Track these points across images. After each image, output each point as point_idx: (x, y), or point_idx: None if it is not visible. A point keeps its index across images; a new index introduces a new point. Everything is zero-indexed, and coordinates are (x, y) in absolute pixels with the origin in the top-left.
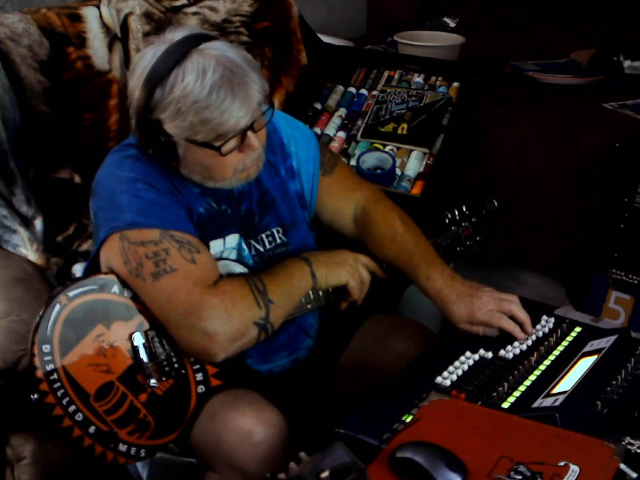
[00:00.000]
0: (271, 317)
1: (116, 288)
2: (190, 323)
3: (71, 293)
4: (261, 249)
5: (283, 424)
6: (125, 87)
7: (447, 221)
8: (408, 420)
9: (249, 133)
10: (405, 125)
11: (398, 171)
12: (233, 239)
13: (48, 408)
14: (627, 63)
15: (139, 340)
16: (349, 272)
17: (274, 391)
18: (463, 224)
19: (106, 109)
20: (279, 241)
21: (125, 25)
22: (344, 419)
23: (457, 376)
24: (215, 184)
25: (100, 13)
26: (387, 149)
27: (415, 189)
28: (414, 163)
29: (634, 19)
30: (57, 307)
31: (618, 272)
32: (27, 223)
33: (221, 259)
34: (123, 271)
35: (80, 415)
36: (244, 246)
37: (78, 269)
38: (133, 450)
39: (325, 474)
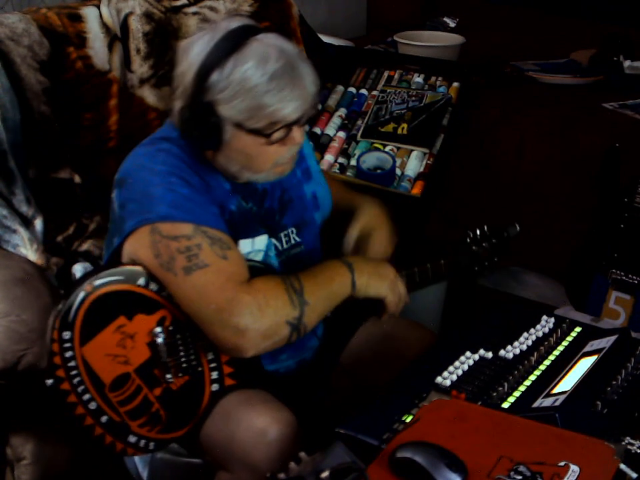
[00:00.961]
0: (305, 319)
1: (142, 280)
2: (222, 318)
3: (97, 282)
4: (280, 248)
5: (295, 423)
6: (125, 87)
7: (469, 240)
8: (408, 420)
9: (295, 127)
10: (405, 125)
11: (398, 171)
12: (261, 241)
13: (62, 394)
14: (627, 63)
15: (159, 335)
16: (389, 286)
17: (282, 391)
18: (484, 244)
19: (106, 109)
20: (293, 241)
21: (125, 25)
22: (344, 419)
23: (457, 376)
24: (250, 176)
25: (100, 12)
26: (387, 149)
27: (415, 189)
28: (414, 162)
29: (634, 19)
30: (82, 294)
31: (618, 272)
32: (27, 222)
33: (247, 260)
34: (153, 264)
35: (94, 403)
36: (272, 247)
37: (78, 269)
38: (143, 442)
39: (325, 474)
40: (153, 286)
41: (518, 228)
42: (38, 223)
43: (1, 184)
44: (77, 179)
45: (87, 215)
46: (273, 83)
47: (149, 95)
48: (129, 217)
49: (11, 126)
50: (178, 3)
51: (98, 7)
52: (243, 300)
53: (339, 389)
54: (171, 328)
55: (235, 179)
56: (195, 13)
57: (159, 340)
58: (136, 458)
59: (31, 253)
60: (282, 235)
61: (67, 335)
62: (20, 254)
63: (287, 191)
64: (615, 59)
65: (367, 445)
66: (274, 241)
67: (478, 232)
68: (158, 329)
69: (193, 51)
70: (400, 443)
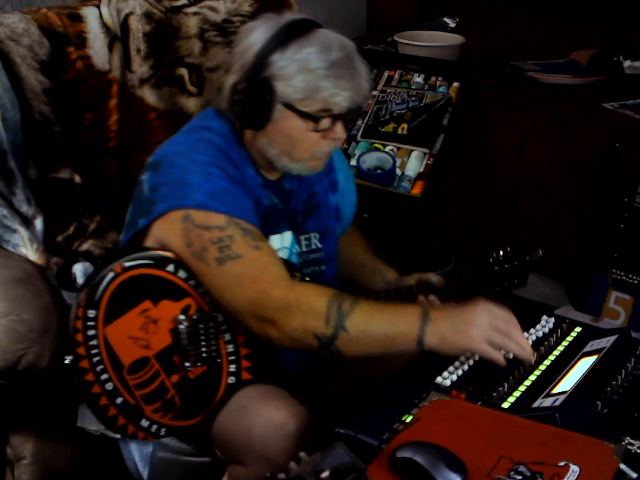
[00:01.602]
0: (339, 344)
1: (171, 267)
2: (253, 309)
3: (127, 264)
4: (298, 250)
5: (310, 419)
6: (125, 87)
7: (492, 260)
8: (408, 420)
9: (339, 122)
10: (405, 125)
11: (398, 171)
12: (287, 237)
13: (80, 372)
14: (627, 63)
15: (183, 322)
16: (475, 339)
17: (293, 387)
18: (506, 265)
19: (106, 109)
20: (314, 246)
21: (125, 25)
22: (344, 419)
23: (457, 376)
24: (286, 163)
25: (100, 13)
26: (387, 149)
27: (415, 189)
28: (414, 162)
29: (634, 18)
30: (111, 274)
31: (618, 272)
32: (27, 222)
33: None
34: (185, 252)
35: (110, 384)
36: (295, 244)
37: (78, 269)
38: (154, 427)
39: (325, 474)
40: (181, 273)
41: (540, 253)
42: (38, 223)
43: (1, 184)
44: (77, 178)
45: (87, 215)
46: (332, 70)
47: (149, 95)
48: (160, 200)
49: (11, 126)
50: (178, 3)
51: (98, 7)
52: (274, 295)
53: (339, 389)
54: (194, 317)
55: (269, 171)
56: (195, 13)
57: (182, 327)
58: (136, 457)
59: (31, 252)
60: (302, 237)
61: (91, 313)
62: (20, 253)
63: (315, 196)
64: (615, 59)
65: (367, 444)
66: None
67: (501, 252)
68: (182, 317)
69: (256, 32)
70: (400, 442)
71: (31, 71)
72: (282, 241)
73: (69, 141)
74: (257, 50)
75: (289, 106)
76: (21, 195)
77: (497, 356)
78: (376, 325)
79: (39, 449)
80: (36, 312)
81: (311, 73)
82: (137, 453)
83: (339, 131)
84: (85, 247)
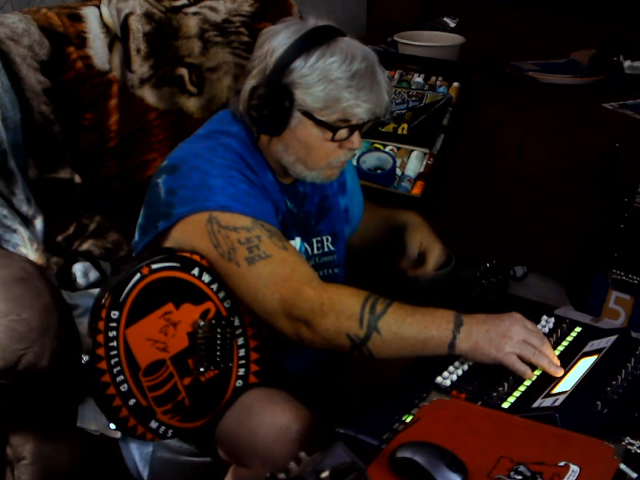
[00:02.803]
0: (371, 345)
1: (196, 270)
2: (285, 309)
3: (155, 266)
4: (310, 252)
5: (314, 422)
6: (125, 87)
7: (479, 274)
8: (408, 420)
9: (357, 132)
10: (405, 125)
11: (398, 171)
12: (296, 244)
13: (98, 373)
14: (627, 63)
15: (201, 327)
16: (508, 351)
17: (297, 391)
18: (492, 279)
19: (106, 109)
20: (326, 249)
21: (125, 25)
22: (344, 419)
23: (457, 376)
24: (301, 171)
25: (100, 12)
26: (387, 149)
27: (415, 189)
28: (414, 163)
29: (634, 18)
30: (138, 275)
31: (618, 272)
32: (27, 222)
33: None
34: (213, 253)
35: (125, 385)
36: (304, 249)
37: (78, 269)
38: (162, 429)
39: (325, 474)
40: (205, 277)
41: (525, 269)
42: (38, 223)
43: (1, 184)
44: (77, 178)
45: (87, 215)
46: (354, 81)
47: (149, 95)
48: (180, 203)
49: (11, 126)
50: (178, 3)
51: (98, 7)
52: (306, 294)
53: (344, 389)
54: (213, 321)
55: (283, 176)
56: (195, 13)
57: (200, 331)
58: (136, 457)
59: (31, 252)
60: (314, 240)
61: (115, 314)
62: (20, 253)
63: (327, 199)
64: (615, 59)
65: (367, 444)
66: (305, 245)
67: (488, 265)
68: (201, 322)
69: (279, 36)
70: (400, 442)
71: (31, 71)
72: (296, 246)
73: (68, 141)
74: (279, 55)
75: (308, 114)
76: (21, 195)
77: (525, 369)
78: (408, 328)
79: (38, 449)
80: (36, 312)
81: (332, 83)
82: (137, 453)
83: (356, 141)
84: (85, 246)
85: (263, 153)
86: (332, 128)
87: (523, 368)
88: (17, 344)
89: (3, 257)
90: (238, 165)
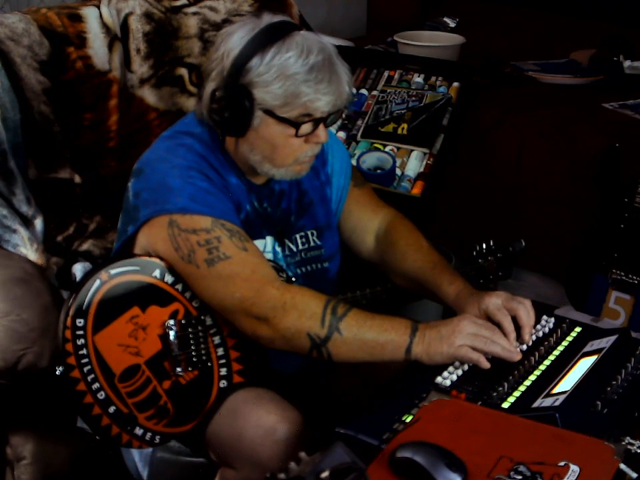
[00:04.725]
0: (330, 346)
1: (157, 272)
2: (244, 307)
3: (113, 271)
4: (294, 249)
5: (302, 423)
6: (125, 87)
7: (475, 254)
8: (408, 420)
9: (321, 125)
10: (405, 125)
11: (398, 171)
12: (268, 243)
13: (72, 382)
14: (627, 63)
15: (172, 328)
16: (459, 344)
17: (287, 390)
18: (489, 258)
19: (106, 109)
20: (312, 243)
21: (125, 25)
22: (344, 419)
23: (457, 376)
24: (269, 169)
25: (100, 12)
26: (387, 149)
27: (415, 189)
28: (414, 163)
29: (634, 18)
30: (97, 282)
31: (618, 272)
32: (27, 222)
33: None
34: (173, 256)
35: (102, 393)
36: (277, 248)
37: (78, 269)
38: (149, 435)
39: (325, 474)
40: (168, 278)
41: (523, 244)
42: (38, 223)
43: (1, 184)
44: (77, 179)
45: (87, 215)
46: (312, 74)
47: (149, 95)
48: (143, 206)
49: (11, 126)
50: (178, 3)
51: (98, 7)
52: (269, 293)
53: (339, 389)
54: (183, 321)
55: (252, 176)
56: (195, 13)
57: (171, 333)
58: (136, 457)
59: (31, 252)
60: (297, 236)
61: (80, 322)
62: (20, 254)
63: (307, 193)
64: (615, 59)
65: (367, 444)
66: (287, 242)
67: (484, 245)
68: (170, 322)
69: (234, 37)
70: (400, 442)
71: (31, 71)
72: (264, 247)
73: (68, 141)
74: (235, 56)
75: (269, 112)
76: (20, 195)
77: (479, 357)
78: (369, 330)
79: (38, 449)
80: (36, 312)
81: (290, 78)
82: (137, 453)
83: (322, 134)
84: (85, 246)
85: (229, 155)
86: (294, 124)
87: (475, 356)
88: (16, 344)
89: (3, 257)
90: (199, 164)
